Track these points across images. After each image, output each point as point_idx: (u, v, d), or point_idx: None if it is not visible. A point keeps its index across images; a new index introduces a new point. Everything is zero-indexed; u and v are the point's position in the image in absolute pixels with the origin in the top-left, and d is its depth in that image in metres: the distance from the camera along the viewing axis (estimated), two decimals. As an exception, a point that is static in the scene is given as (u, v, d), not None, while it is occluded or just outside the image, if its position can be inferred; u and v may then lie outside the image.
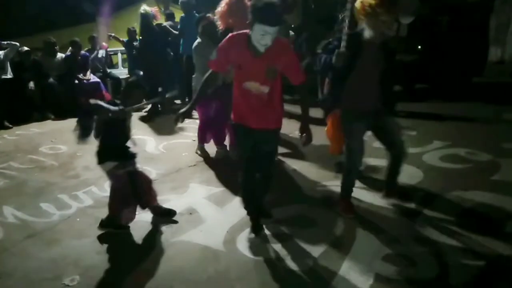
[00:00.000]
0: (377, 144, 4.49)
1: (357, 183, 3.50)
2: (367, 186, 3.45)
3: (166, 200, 3.36)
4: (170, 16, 7.45)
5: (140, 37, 6.41)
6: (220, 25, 3.84)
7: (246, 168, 2.74)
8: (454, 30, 7.03)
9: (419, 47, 7.13)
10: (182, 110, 2.58)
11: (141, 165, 3.72)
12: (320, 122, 3.77)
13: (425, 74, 7.20)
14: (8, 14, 11.51)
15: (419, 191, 3.31)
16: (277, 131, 2.73)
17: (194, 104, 2.69)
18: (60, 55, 7.14)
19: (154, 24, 6.33)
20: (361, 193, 3.29)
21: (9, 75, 6.49)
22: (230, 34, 2.59)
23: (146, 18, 6.06)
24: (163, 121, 5.98)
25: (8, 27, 9.38)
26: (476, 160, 3.93)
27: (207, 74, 2.62)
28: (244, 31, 2.45)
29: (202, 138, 4.48)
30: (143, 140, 5.06)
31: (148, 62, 6.01)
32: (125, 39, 7.64)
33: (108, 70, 8.02)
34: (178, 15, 7.13)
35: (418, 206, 3.07)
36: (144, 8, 6.10)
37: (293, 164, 4.13)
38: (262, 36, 2.27)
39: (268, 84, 2.49)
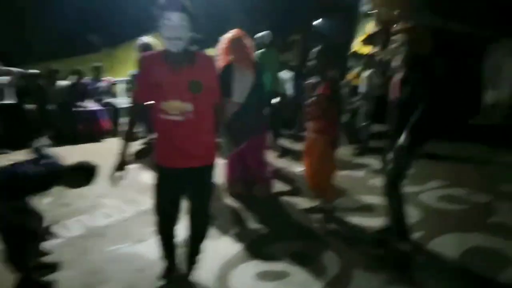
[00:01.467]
0: (372, 181, 4.53)
1: (352, 221, 3.46)
2: (362, 224, 3.40)
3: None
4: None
5: None
6: (220, 61, 3.94)
7: (161, 223, 2.40)
8: (448, 72, 7.21)
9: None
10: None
11: (135, 194, 3.68)
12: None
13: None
14: (12, 43, 11.80)
15: (416, 231, 3.26)
16: (209, 169, 2.34)
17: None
18: (60, 83, 7.23)
19: None
20: (356, 232, 3.23)
21: (12, 100, 6.54)
22: (141, 56, 2.38)
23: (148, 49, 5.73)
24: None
25: (13, 55, 9.57)
26: (473, 202, 3.90)
27: (131, 108, 2.41)
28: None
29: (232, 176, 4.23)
30: (137, 169, 5.00)
31: None
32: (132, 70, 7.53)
33: (109, 100, 8.08)
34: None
35: (415, 246, 3.01)
36: (149, 39, 5.59)
37: (290, 199, 4.08)
38: (168, 29, 2.04)
39: (191, 102, 2.16)
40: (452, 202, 3.90)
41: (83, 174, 2.58)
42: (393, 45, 2.85)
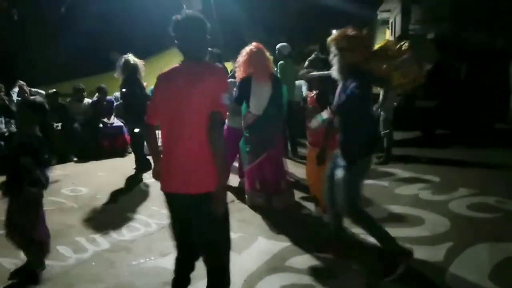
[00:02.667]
0: (398, 190, 4.43)
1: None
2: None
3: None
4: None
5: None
6: (240, 74, 3.98)
7: (177, 269, 2.19)
8: (475, 76, 7.05)
9: (440, 93, 7.14)
10: None
11: (159, 208, 3.71)
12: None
13: (445, 120, 7.14)
14: (38, 62, 12.30)
15: (446, 241, 3.15)
16: (208, 198, 1.91)
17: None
18: (87, 100, 7.46)
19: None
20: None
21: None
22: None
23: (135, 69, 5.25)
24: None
25: (38, 74, 9.97)
26: (506, 209, 3.75)
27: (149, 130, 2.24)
28: None
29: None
30: (162, 183, 5.08)
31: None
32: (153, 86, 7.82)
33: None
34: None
35: (446, 256, 2.90)
36: (133, 58, 5.27)
37: (310, 209, 4.03)
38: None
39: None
40: (483, 210, 3.76)
41: None
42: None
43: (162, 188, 2.06)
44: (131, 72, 5.20)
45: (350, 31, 2.65)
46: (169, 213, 2.13)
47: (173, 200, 2.05)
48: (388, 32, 25.83)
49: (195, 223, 2.00)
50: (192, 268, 2.20)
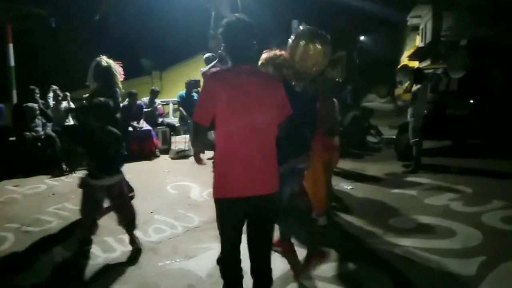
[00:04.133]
0: (427, 200, 4.30)
1: (412, 243, 3.29)
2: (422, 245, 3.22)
3: (208, 248, 3.33)
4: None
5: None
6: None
7: (229, 268, 2.18)
8: (509, 84, 6.78)
9: (471, 101, 6.90)
10: None
11: (185, 211, 3.77)
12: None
13: (477, 129, 6.89)
14: (72, 68, 12.79)
15: (479, 255, 3.03)
16: (274, 198, 2.07)
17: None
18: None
19: None
20: (414, 255, 3.07)
21: (71, 121, 7.09)
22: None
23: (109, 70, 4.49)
24: (208, 168, 6.09)
25: (72, 80, 10.36)
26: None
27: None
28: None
29: None
30: (188, 187, 5.15)
31: None
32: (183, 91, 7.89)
33: (160, 119, 8.49)
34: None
35: (478, 271, 2.79)
36: (106, 60, 4.51)
37: (339, 218, 3.98)
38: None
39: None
40: (518, 223, 3.59)
41: None
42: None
43: (224, 193, 2.03)
44: (106, 79, 4.45)
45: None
46: (225, 215, 2.07)
47: (237, 203, 2.00)
48: (418, 38, 25.33)
49: (259, 223, 2.06)
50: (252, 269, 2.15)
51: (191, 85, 7.49)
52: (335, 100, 3.94)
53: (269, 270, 2.14)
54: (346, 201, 4.33)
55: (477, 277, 2.73)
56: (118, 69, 4.58)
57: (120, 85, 4.61)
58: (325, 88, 3.82)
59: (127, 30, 12.69)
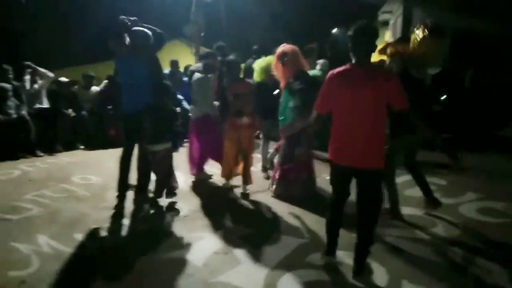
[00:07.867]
0: (408, 192, 4.49)
1: (397, 233, 3.44)
2: (406, 235, 3.39)
3: (199, 237, 3.34)
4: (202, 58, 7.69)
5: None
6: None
7: (334, 202, 2.84)
8: (479, 83, 7.15)
9: (444, 97, 7.22)
10: None
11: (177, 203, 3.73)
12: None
13: (449, 124, 7.22)
14: (51, 47, 12.16)
15: (461, 244, 3.23)
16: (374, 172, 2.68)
17: None
18: (94, 88, 7.40)
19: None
20: (401, 243, 3.23)
21: (45, 104, 6.73)
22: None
23: None
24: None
25: (51, 59, 9.85)
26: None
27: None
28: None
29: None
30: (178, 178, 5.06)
31: None
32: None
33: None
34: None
35: (466, 257, 3.00)
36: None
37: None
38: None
39: None
40: (492, 215, 3.85)
41: None
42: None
43: (337, 161, 2.71)
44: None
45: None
46: (336, 175, 2.79)
47: (342, 169, 2.69)
48: (388, 33, 25.92)
49: (361, 187, 2.71)
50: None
51: (175, 63, 7.95)
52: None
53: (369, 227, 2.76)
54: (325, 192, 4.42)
55: (464, 263, 2.93)
56: None
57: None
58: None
59: (107, 10, 12.13)
